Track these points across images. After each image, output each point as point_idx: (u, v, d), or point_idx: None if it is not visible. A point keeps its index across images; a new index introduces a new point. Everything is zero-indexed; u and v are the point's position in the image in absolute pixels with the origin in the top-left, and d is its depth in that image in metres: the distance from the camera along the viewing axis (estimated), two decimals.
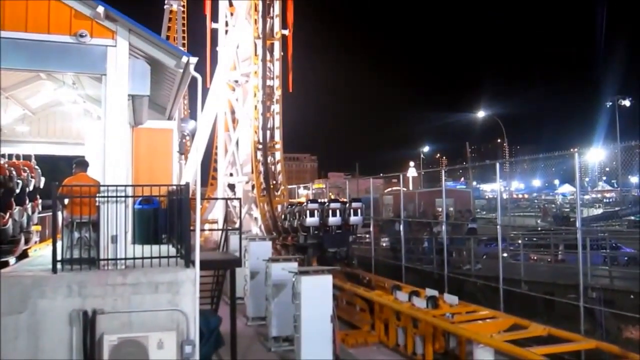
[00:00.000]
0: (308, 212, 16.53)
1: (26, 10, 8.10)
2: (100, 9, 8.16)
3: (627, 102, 40.72)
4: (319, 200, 17.73)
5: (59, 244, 7.86)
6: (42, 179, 12.82)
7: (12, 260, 10.05)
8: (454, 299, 12.49)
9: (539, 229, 25.95)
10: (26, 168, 11.92)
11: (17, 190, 10.80)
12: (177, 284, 7.82)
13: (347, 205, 17.11)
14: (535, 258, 18.27)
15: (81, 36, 8.18)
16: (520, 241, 18.50)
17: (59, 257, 7.69)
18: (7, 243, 9.85)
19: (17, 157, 12.78)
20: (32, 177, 12.05)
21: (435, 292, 12.78)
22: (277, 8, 23.89)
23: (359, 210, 16.83)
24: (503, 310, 12.97)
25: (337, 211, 16.59)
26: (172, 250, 8.83)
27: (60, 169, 13.78)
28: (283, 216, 19.48)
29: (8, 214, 9.84)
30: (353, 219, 16.69)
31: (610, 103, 41.91)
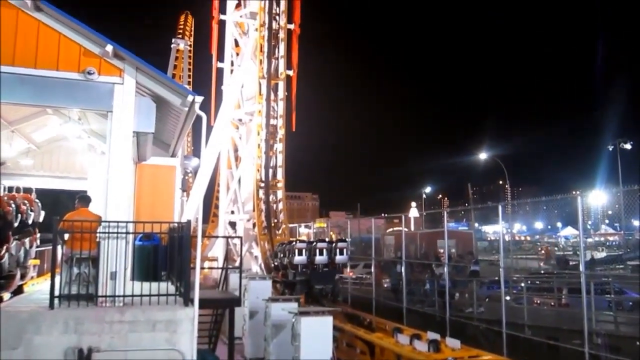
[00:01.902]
0: (296, 251, 17.31)
1: (36, 46, 8.28)
2: (109, 48, 8.33)
3: (628, 146, 40.89)
4: (307, 240, 18.11)
5: (57, 279, 7.78)
6: (42, 213, 12.80)
7: (6, 295, 9.93)
8: (456, 342, 12.25)
9: (542, 272, 25.67)
10: (26, 201, 11.91)
11: (16, 224, 10.75)
12: (175, 323, 7.71)
13: (334, 244, 17.97)
14: (538, 302, 18.00)
15: (89, 73, 8.33)
16: (523, 284, 18.27)
17: (56, 293, 7.61)
18: (2, 278, 9.74)
19: (17, 190, 12.79)
20: (31, 210, 12.03)
21: (437, 336, 12.55)
22: (282, 49, 24.36)
23: (345, 250, 17.91)
24: (506, 355, 12.71)
25: (324, 250, 17.51)
26: (171, 288, 8.73)
27: (62, 202, 13.77)
28: (274, 254, 19.90)
29: (4, 248, 9.77)
30: (339, 258, 17.69)
31: (612, 146, 42.07)
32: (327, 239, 20.81)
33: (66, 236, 8.21)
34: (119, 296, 7.91)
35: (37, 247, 12.37)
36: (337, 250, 17.64)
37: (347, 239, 20.54)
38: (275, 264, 19.41)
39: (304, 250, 17.39)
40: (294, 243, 17.95)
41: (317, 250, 17.37)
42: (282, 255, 18.59)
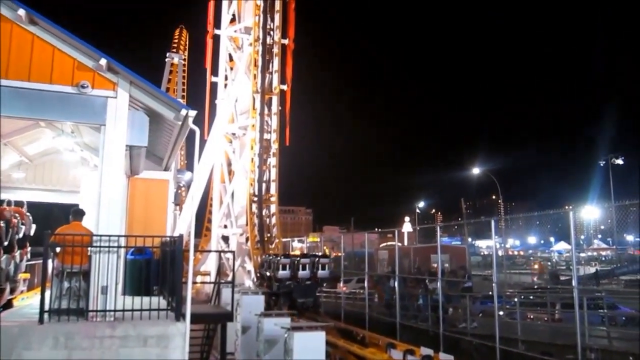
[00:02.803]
0: (281, 266, 17.88)
1: (30, 60, 8.29)
2: (103, 61, 8.35)
3: (620, 161, 41.19)
4: (291, 255, 18.66)
5: (47, 294, 7.70)
6: (33, 226, 12.70)
7: None
8: (450, 358, 12.19)
9: (535, 287, 25.66)
10: (17, 214, 11.81)
11: (6, 243, 10.64)
12: (166, 338, 7.64)
13: (316, 260, 18.61)
14: (532, 317, 17.97)
15: (83, 87, 8.33)
16: (516, 299, 18.26)
17: (46, 307, 7.53)
18: None
19: (9, 203, 12.69)
20: (22, 223, 11.93)
21: (430, 351, 12.48)
22: (276, 64, 24.48)
23: (326, 266, 18.70)
24: None
25: (307, 266, 18.20)
26: (163, 303, 8.66)
27: (54, 216, 13.67)
28: (261, 264, 20.46)
29: None
30: (321, 272, 18.42)
31: (604, 162, 42.35)
32: (320, 253, 20.96)
33: (57, 250, 8.14)
34: (109, 311, 7.84)
35: (28, 260, 12.26)
36: (320, 266, 18.36)
37: (329, 255, 21.13)
38: (262, 273, 19.98)
39: (287, 266, 18.06)
40: (279, 258, 18.38)
41: (300, 266, 18.08)
42: (267, 267, 19.18)
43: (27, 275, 12.09)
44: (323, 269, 18.44)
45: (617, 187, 40.07)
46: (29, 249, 12.29)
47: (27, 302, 11.04)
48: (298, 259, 18.45)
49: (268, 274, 19.14)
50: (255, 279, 21.86)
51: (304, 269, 18.03)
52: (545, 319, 17.53)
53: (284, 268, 17.95)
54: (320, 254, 21.20)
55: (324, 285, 20.34)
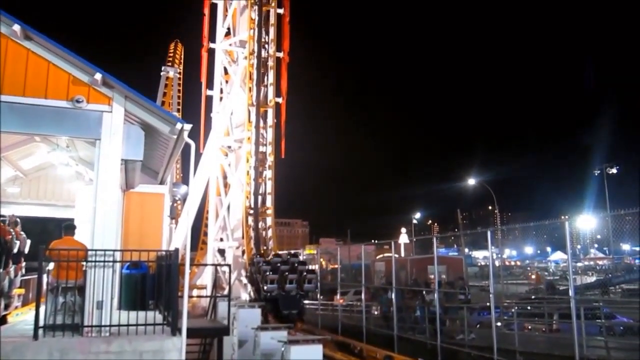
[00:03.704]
0: (269, 280, 18.41)
1: (25, 75, 8.30)
2: (98, 76, 8.37)
3: (614, 170, 41.41)
4: (280, 267, 19.25)
5: (42, 309, 7.65)
6: (28, 242, 12.63)
7: None
8: None
9: (532, 297, 25.64)
10: (11, 230, 11.75)
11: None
12: (162, 353, 7.58)
13: (304, 274, 19.21)
14: (529, 327, 17.92)
15: (78, 102, 8.34)
16: (513, 310, 18.21)
17: (41, 323, 7.47)
18: None
19: (3, 221, 12.62)
20: (17, 239, 11.87)
21: None
22: (271, 77, 24.58)
23: (313, 280, 19.51)
24: None
25: (294, 280, 18.91)
26: (159, 317, 8.61)
27: (49, 230, 13.61)
28: (251, 262, 20.75)
29: None
30: (307, 286, 19.15)
31: (598, 171, 42.57)
32: (309, 267, 21.03)
33: (51, 265, 8.10)
34: (105, 326, 7.79)
35: (23, 276, 12.17)
36: (306, 280, 18.99)
37: (316, 270, 22.34)
38: (252, 273, 20.22)
39: (275, 281, 18.61)
40: (268, 273, 18.67)
41: (288, 280, 18.75)
42: (256, 271, 19.52)
43: (22, 291, 12.01)
44: (310, 283, 19.10)
45: (613, 196, 40.22)
46: (23, 264, 12.21)
47: (22, 318, 10.95)
48: (286, 273, 18.80)
49: (255, 276, 19.51)
50: (252, 293, 21.79)
51: (290, 283, 18.60)
52: (543, 329, 17.48)
53: (271, 282, 18.45)
54: (309, 267, 21.29)
55: (309, 296, 21.10)
